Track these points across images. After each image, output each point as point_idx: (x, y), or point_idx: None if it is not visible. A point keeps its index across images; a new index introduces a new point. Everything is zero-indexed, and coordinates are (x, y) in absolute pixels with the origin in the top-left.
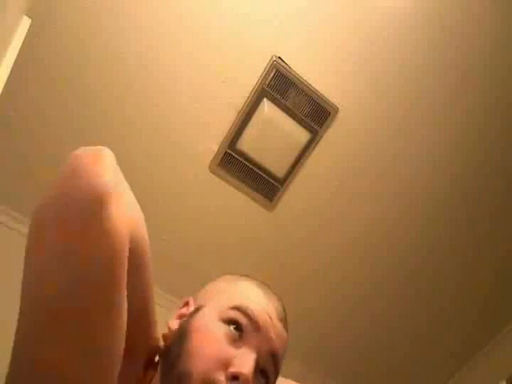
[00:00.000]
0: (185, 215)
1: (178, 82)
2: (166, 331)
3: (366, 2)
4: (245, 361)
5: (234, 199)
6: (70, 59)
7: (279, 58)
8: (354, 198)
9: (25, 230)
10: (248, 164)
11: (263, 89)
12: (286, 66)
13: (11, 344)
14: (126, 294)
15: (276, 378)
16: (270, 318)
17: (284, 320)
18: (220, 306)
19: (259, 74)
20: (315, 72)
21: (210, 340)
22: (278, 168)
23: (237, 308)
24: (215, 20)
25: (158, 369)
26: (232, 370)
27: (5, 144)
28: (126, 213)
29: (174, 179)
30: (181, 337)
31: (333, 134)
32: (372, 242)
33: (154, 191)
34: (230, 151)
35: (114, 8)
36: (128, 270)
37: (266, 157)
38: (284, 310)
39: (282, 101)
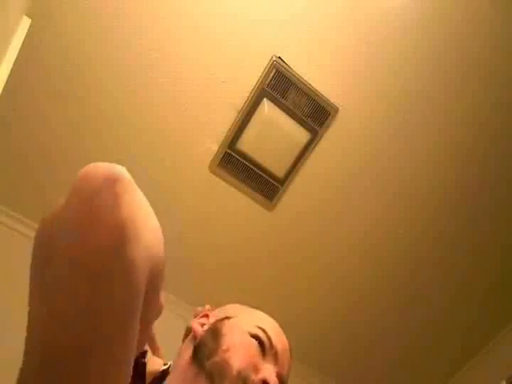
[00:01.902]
0: (185, 215)
1: (177, 82)
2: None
3: (365, 2)
4: (271, 372)
5: (234, 199)
6: (70, 59)
7: (279, 57)
8: (354, 198)
9: (25, 229)
10: (248, 164)
11: (263, 89)
12: (285, 66)
13: (11, 342)
14: (138, 328)
15: None
16: (284, 346)
17: (292, 352)
18: (247, 322)
19: (259, 74)
20: (315, 72)
21: (245, 343)
22: (278, 168)
23: (262, 330)
24: (215, 20)
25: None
26: (262, 375)
27: (5, 144)
28: (145, 250)
29: (174, 179)
30: (215, 335)
31: (333, 134)
32: (372, 241)
33: (154, 191)
34: (229, 151)
35: (114, 8)
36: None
37: (266, 157)
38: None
39: (282, 101)
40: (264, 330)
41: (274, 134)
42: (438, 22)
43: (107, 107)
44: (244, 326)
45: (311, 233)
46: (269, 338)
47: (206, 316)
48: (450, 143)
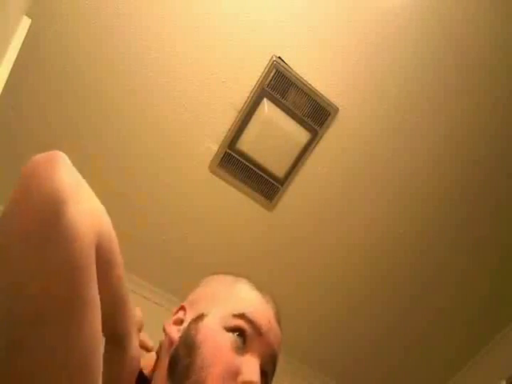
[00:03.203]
0: (185, 215)
1: (177, 82)
2: (162, 334)
3: (365, 2)
4: (252, 369)
5: (234, 199)
6: (70, 59)
7: (279, 57)
8: (353, 198)
9: None
10: (248, 164)
11: (263, 89)
12: (285, 66)
13: None
14: (97, 291)
15: (273, 374)
16: (270, 321)
17: (279, 320)
18: (223, 314)
19: (259, 74)
20: (315, 72)
21: (220, 352)
22: (278, 168)
23: (240, 316)
24: (215, 20)
25: (159, 376)
26: (243, 379)
27: (5, 144)
28: (87, 210)
29: (174, 179)
30: (189, 347)
31: (333, 134)
32: (372, 242)
33: (154, 191)
34: (229, 151)
35: (114, 8)
36: (96, 266)
37: (266, 157)
38: (278, 309)
39: (282, 101)
40: (243, 316)
41: (274, 134)
42: (437, 22)
43: (107, 107)
44: (219, 321)
45: (311, 233)
46: (250, 322)
47: (183, 309)
48: (449, 143)
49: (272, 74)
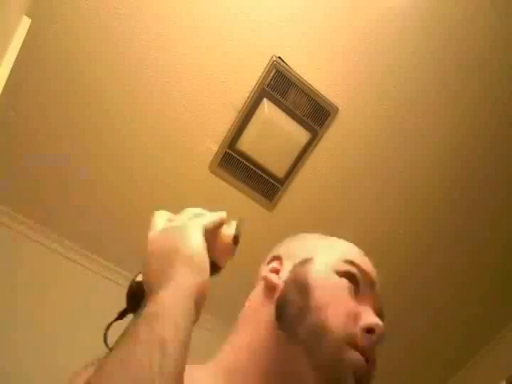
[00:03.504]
0: None
1: (177, 82)
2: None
3: (365, 2)
4: (371, 314)
5: (234, 199)
6: (70, 59)
7: (279, 57)
8: (353, 198)
9: (25, 230)
10: (248, 164)
11: (263, 89)
12: (285, 66)
13: (11, 340)
14: None
15: None
16: (373, 271)
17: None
18: (332, 259)
19: (259, 74)
20: (315, 72)
21: (337, 294)
22: (278, 168)
23: (351, 262)
24: (215, 20)
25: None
26: (366, 322)
27: (5, 144)
28: None
29: (174, 179)
30: (301, 290)
31: (333, 134)
32: (372, 241)
33: (154, 191)
34: (229, 151)
35: (114, 8)
36: None
37: (266, 157)
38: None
39: (282, 101)
40: (353, 262)
41: (274, 134)
42: (437, 22)
43: (107, 107)
44: (329, 265)
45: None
46: (362, 270)
47: (278, 259)
48: (449, 143)
49: (272, 74)
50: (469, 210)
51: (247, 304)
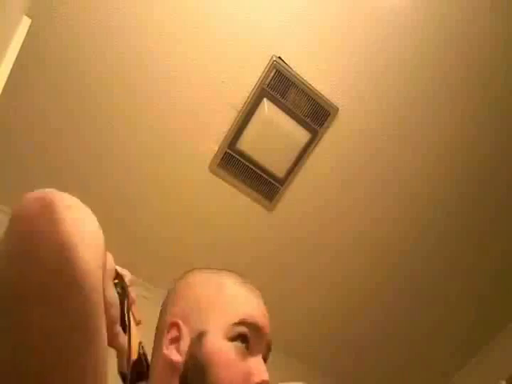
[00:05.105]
0: (184, 215)
1: (177, 82)
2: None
3: (366, 2)
4: (261, 368)
5: (234, 199)
6: (70, 59)
7: (279, 57)
8: (353, 198)
9: None
10: (248, 164)
11: (263, 89)
12: (285, 66)
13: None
14: (104, 323)
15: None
16: (264, 315)
17: (261, 297)
18: (223, 325)
19: (259, 74)
20: (315, 72)
21: (229, 363)
22: (278, 168)
23: (241, 323)
24: (215, 20)
25: None
26: (254, 380)
27: (5, 144)
28: (93, 247)
29: (174, 179)
30: (199, 370)
31: (333, 134)
32: (372, 242)
33: (153, 191)
34: (229, 151)
35: (114, 8)
36: None
37: (266, 157)
38: (260, 293)
39: (282, 101)
40: (243, 322)
41: (274, 133)
42: (437, 22)
43: (107, 107)
44: (221, 334)
45: (311, 233)
46: (251, 324)
47: (176, 325)
48: (449, 143)
49: (272, 74)
50: (469, 210)
51: (156, 368)
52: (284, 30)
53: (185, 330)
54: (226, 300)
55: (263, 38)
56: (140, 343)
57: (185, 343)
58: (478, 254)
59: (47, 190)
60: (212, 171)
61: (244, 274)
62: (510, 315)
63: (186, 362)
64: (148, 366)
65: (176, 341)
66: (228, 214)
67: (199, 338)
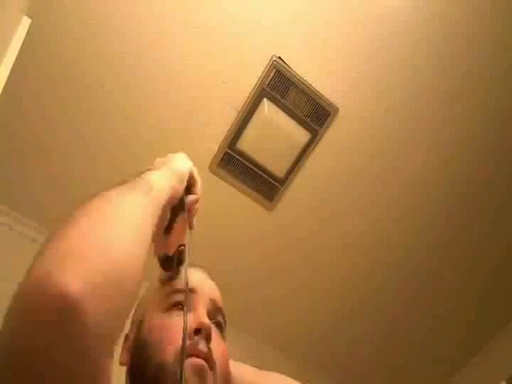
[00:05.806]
0: None
1: (177, 82)
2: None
3: (366, 2)
4: (199, 313)
5: (234, 199)
6: (70, 59)
7: (279, 57)
8: (353, 198)
9: (25, 230)
10: (248, 164)
11: (263, 89)
12: (285, 66)
13: None
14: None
15: (225, 325)
16: (200, 280)
17: (210, 277)
18: (158, 302)
19: (259, 74)
20: (315, 72)
21: (168, 329)
22: (278, 168)
23: (173, 292)
24: (215, 20)
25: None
26: (193, 327)
27: (5, 144)
28: (104, 316)
29: None
30: (141, 348)
31: (333, 134)
32: (372, 242)
33: None
34: (229, 151)
35: (114, 8)
36: None
37: (266, 157)
38: (207, 271)
39: (282, 101)
40: (174, 290)
41: (274, 133)
42: (437, 22)
43: (107, 107)
44: (158, 310)
45: (311, 233)
46: (182, 290)
47: (126, 335)
48: (449, 143)
49: (272, 74)
50: (469, 210)
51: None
52: (284, 30)
53: (131, 330)
54: (158, 286)
55: (263, 38)
56: (181, 245)
57: (130, 340)
58: (478, 253)
59: (68, 277)
60: (212, 171)
61: (243, 274)
62: (510, 315)
63: (132, 354)
64: (178, 264)
65: (126, 345)
66: (228, 214)
67: (139, 326)
